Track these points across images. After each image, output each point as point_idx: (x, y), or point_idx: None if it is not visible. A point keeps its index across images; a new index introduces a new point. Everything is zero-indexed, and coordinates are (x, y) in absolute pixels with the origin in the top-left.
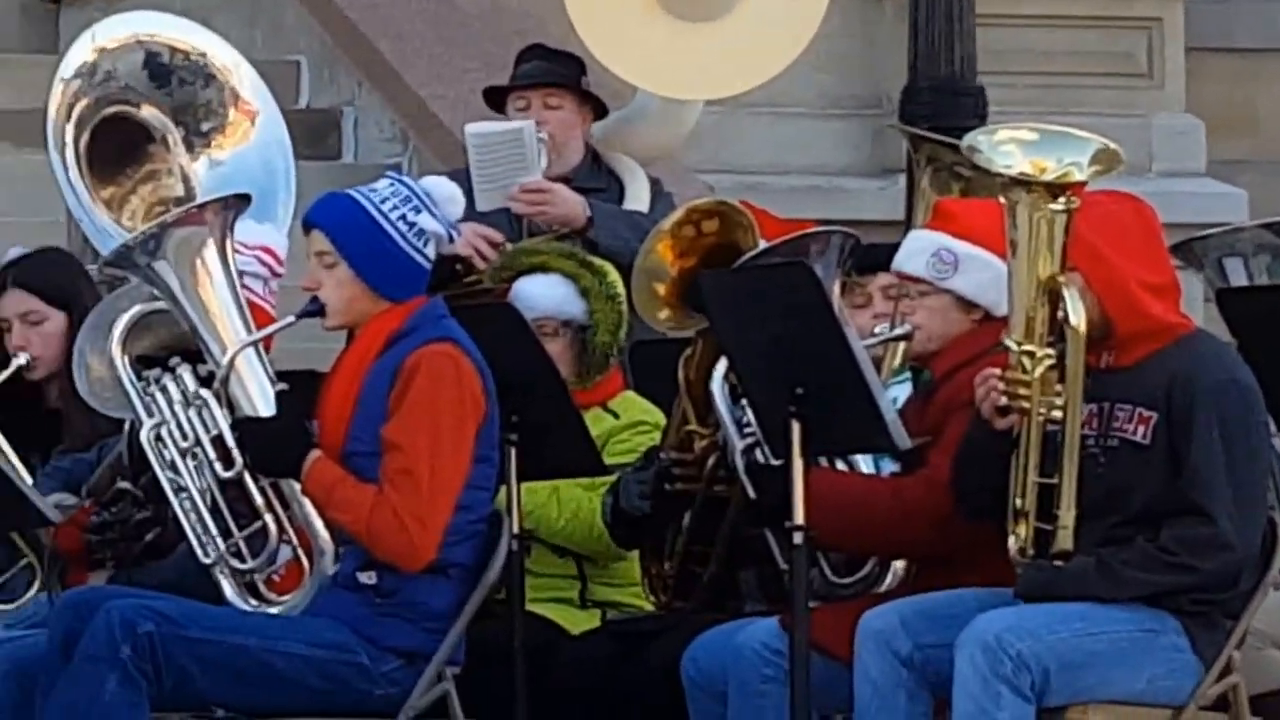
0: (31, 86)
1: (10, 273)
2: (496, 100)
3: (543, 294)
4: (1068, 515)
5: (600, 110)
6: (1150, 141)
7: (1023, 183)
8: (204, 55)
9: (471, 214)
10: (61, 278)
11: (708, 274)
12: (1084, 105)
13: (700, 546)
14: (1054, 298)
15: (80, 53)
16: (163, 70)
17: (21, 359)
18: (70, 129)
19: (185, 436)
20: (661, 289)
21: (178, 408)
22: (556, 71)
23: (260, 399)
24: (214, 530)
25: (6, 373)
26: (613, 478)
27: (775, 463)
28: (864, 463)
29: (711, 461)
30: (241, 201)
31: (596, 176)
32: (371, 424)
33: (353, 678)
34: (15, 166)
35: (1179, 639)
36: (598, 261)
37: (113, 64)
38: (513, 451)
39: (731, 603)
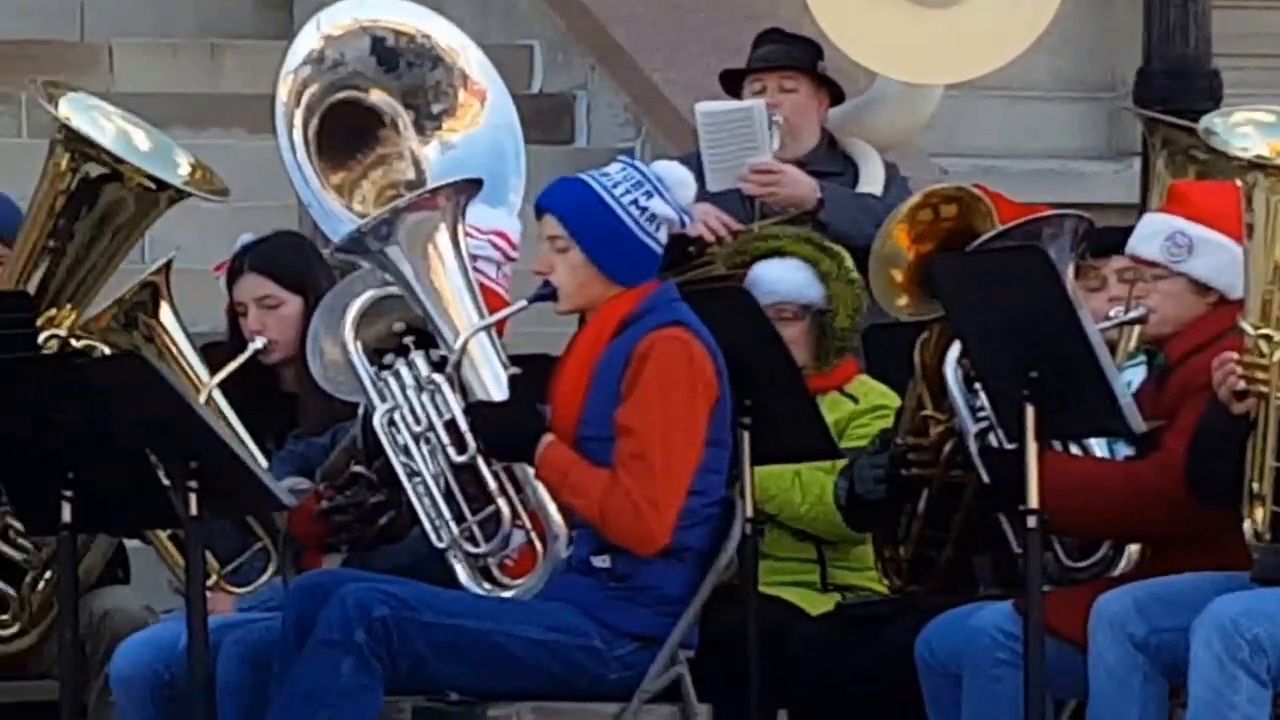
0: (265, 72)
1: (246, 257)
2: (732, 84)
3: (781, 278)
4: None
5: (837, 95)
6: None
7: (1260, 166)
8: (428, 37)
9: (702, 194)
10: (297, 262)
11: (941, 257)
12: None
13: (935, 531)
14: None
15: (307, 41)
16: (390, 54)
17: (258, 343)
18: (300, 115)
19: (418, 421)
20: (899, 275)
21: (410, 392)
22: (792, 55)
23: (493, 383)
24: (447, 515)
25: (243, 357)
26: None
27: (1009, 446)
28: (1098, 446)
29: (948, 448)
30: (473, 186)
31: (832, 160)
32: (604, 408)
33: (586, 661)
34: (249, 152)
35: None
36: (835, 246)
37: (340, 50)
38: (745, 435)
39: (966, 587)
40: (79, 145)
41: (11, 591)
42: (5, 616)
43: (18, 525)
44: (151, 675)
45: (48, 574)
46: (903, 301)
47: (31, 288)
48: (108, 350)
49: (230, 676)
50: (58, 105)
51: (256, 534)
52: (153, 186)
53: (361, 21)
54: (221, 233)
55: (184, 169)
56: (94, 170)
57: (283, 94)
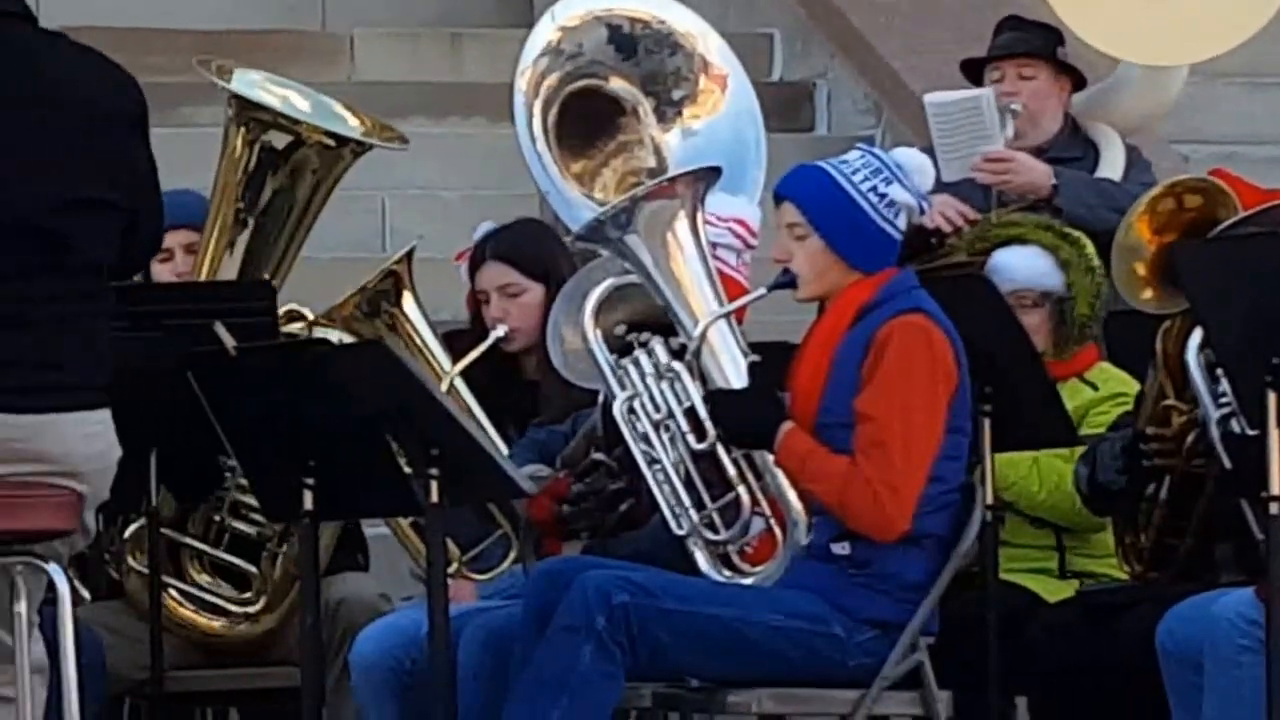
0: (506, 61)
1: (488, 245)
2: (974, 72)
3: (1022, 265)
4: None
5: (1079, 81)
6: None
7: None
8: (664, 22)
9: (938, 185)
10: (539, 250)
11: (1183, 243)
12: None
13: (1177, 520)
14: None
15: (543, 33)
16: (628, 41)
17: (500, 331)
18: (539, 104)
19: (658, 409)
20: (1141, 268)
21: (650, 380)
22: (1030, 42)
23: (732, 371)
24: (687, 502)
25: (485, 345)
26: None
27: (1251, 433)
28: None
29: (1190, 438)
30: (712, 174)
31: (1073, 146)
32: (843, 395)
33: (826, 648)
34: (489, 141)
35: None
36: (1075, 233)
37: (578, 41)
38: (986, 423)
39: (1207, 574)
40: (253, 116)
41: (252, 569)
42: (249, 594)
43: (248, 500)
44: (392, 662)
45: (283, 549)
46: (1148, 295)
47: (234, 266)
48: (350, 338)
49: (471, 663)
50: (230, 82)
51: (497, 521)
52: (332, 143)
53: (595, 11)
54: (463, 221)
55: (354, 122)
56: (274, 138)
57: (521, 84)
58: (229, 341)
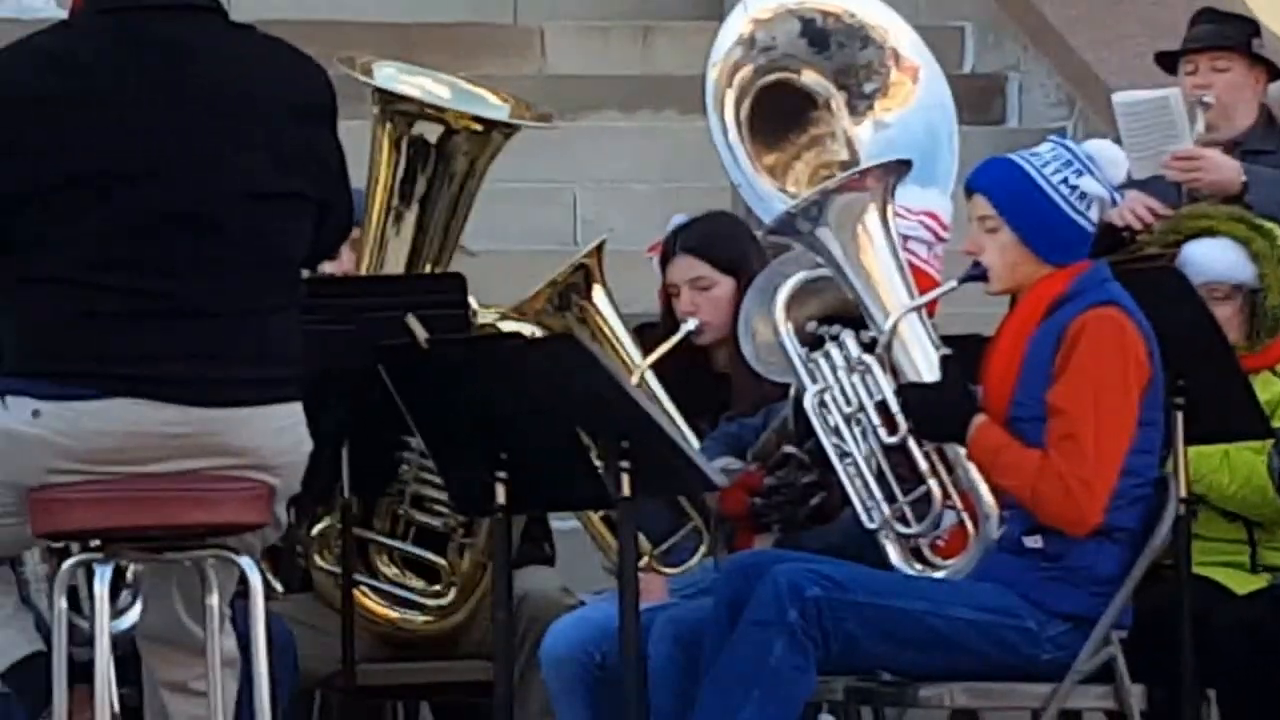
0: (697, 54)
1: (679, 239)
2: (1169, 64)
3: (1213, 258)
4: None
5: (1274, 73)
6: None
7: None
8: (855, 16)
9: (1128, 181)
10: (730, 243)
11: None
12: None
13: None
14: None
15: (736, 26)
16: (820, 35)
17: (690, 324)
18: (731, 97)
19: (849, 402)
20: None
21: (841, 373)
22: (1225, 34)
23: (924, 364)
24: (879, 495)
25: (675, 338)
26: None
27: None
28: None
29: None
30: (903, 167)
31: (1268, 139)
32: (1035, 388)
33: (1019, 642)
34: (681, 134)
35: None
36: (1267, 225)
37: (770, 34)
38: (1178, 415)
39: None
40: (398, 108)
41: (440, 561)
42: (438, 587)
43: (429, 493)
44: (583, 656)
45: (469, 540)
46: None
47: (399, 258)
48: (541, 332)
49: (661, 657)
50: (372, 76)
51: (689, 514)
52: (479, 128)
53: (788, 5)
54: (654, 214)
55: (498, 103)
56: (421, 129)
57: (714, 77)
58: (421, 334)
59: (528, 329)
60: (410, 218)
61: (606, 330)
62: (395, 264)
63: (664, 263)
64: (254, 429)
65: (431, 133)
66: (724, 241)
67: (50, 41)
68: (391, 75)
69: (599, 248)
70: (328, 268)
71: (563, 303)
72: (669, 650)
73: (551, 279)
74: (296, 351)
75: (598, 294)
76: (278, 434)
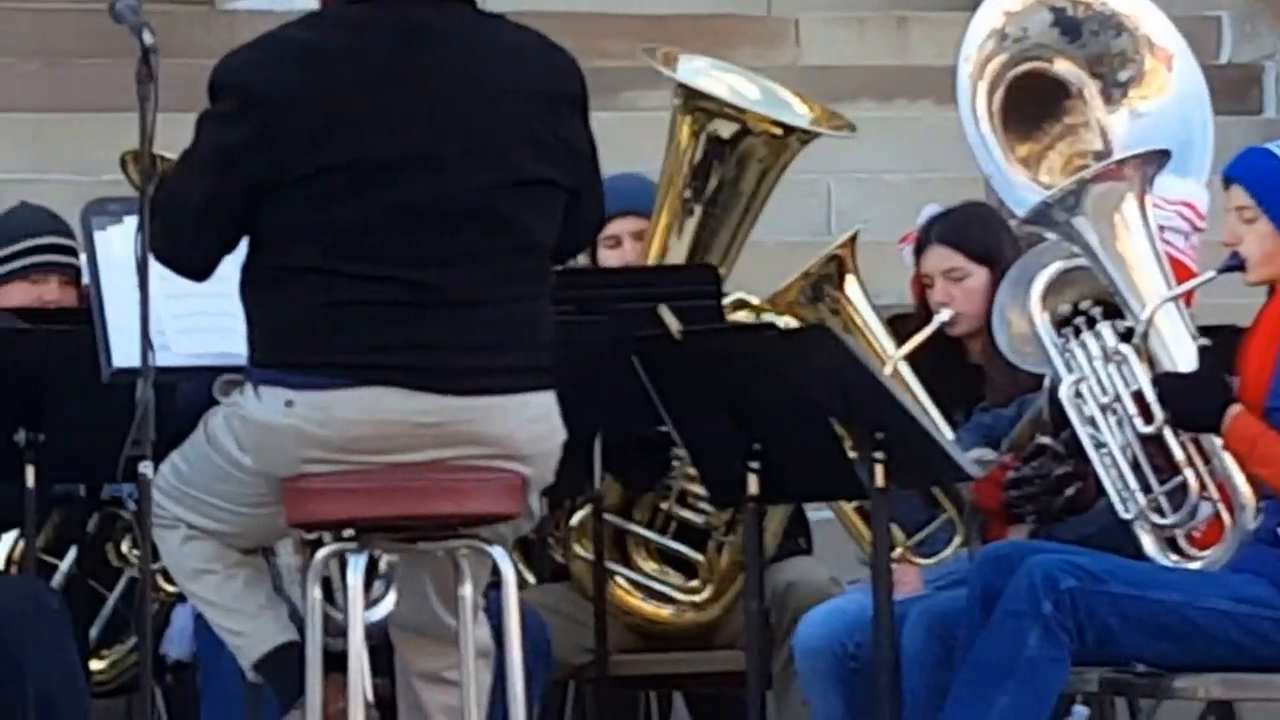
0: (952, 44)
1: (933, 229)
2: None
3: None
4: None
5: None
6: None
7: None
8: (1106, 4)
9: None
10: (984, 234)
11: None
12: None
13: None
14: None
15: (987, 18)
16: (1072, 23)
17: (944, 315)
18: (983, 87)
19: (1105, 392)
20: None
21: (1097, 364)
22: None
23: (1181, 354)
24: (1134, 485)
25: (929, 329)
26: None
27: None
28: None
29: None
30: (1161, 157)
31: None
32: None
33: (1275, 633)
34: (935, 124)
35: None
36: None
37: (1021, 24)
38: None
39: None
40: (700, 105)
41: (698, 557)
42: (695, 583)
43: (696, 490)
44: (836, 647)
45: (729, 538)
46: None
47: (681, 254)
48: (795, 323)
49: (915, 648)
50: (676, 70)
51: (942, 505)
52: (779, 132)
53: None
54: (907, 205)
55: (802, 109)
56: (720, 126)
57: (966, 68)
58: (674, 325)
59: (782, 320)
60: (697, 213)
61: (859, 321)
62: (679, 259)
63: (918, 253)
64: (507, 418)
65: (729, 131)
66: (978, 232)
67: (301, 33)
68: (698, 70)
69: (852, 239)
70: (610, 260)
71: (816, 294)
72: (923, 641)
73: (805, 270)
74: (549, 340)
75: (851, 285)
76: (531, 423)
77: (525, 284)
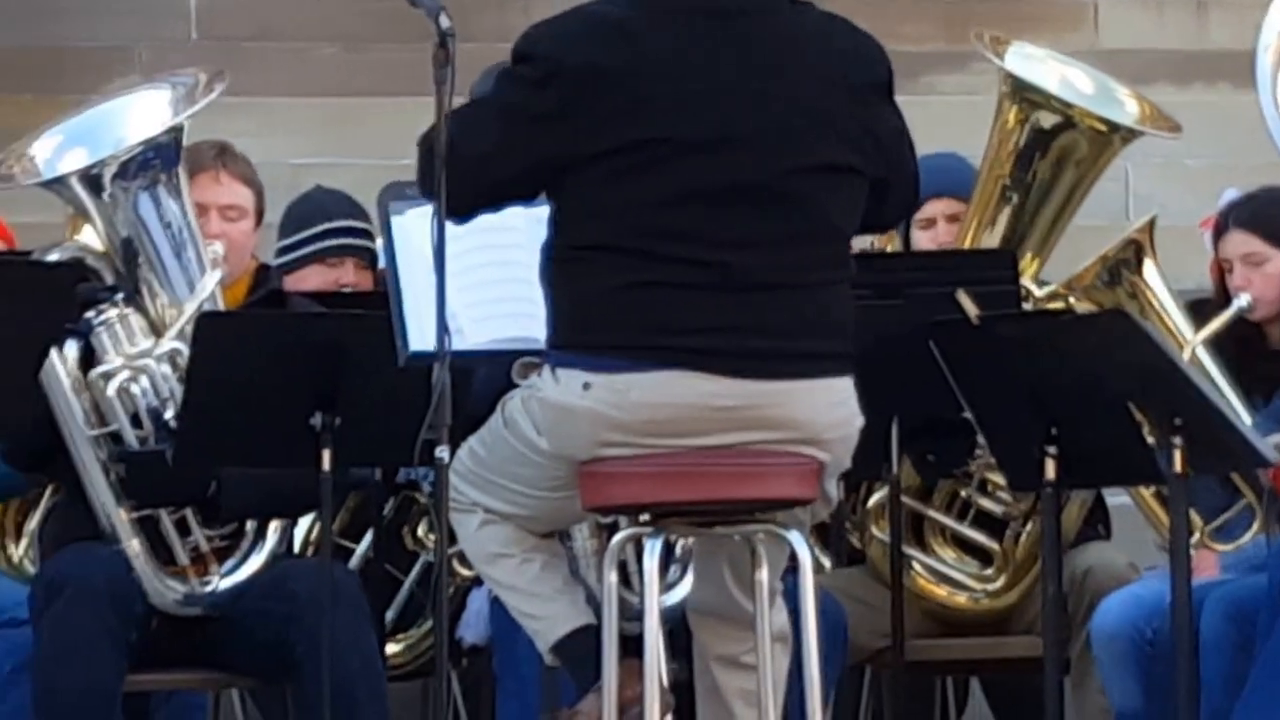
0: (1251, 28)
1: (1233, 213)
2: None
3: None
4: None
5: None
6: None
7: None
8: None
9: None
10: None
11: None
12: None
13: None
14: None
15: None
16: None
17: (1242, 300)
18: None
19: None
20: None
21: None
22: None
23: None
24: None
25: (1227, 314)
26: None
27: None
28: None
29: None
30: None
31: None
32: None
33: None
34: (1235, 108)
35: None
36: None
37: None
38: None
39: None
40: (1026, 95)
41: (994, 545)
42: (989, 571)
43: (995, 478)
44: (1133, 632)
45: (1027, 527)
46: None
47: (994, 242)
48: (1091, 307)
49: (1213, 633)
50: (1004, 59)
51: (1241, 491)
52: (1104, 129)
53: None
54: (1207, 189)
55: (1131, 108)
56: (1044, 119)
57: (1264, 58)
58: (972, 311)
59: (1081, 305)
60: (1013, 201)
61: (1157, 305)
62: (991, 246)
63: (1216, 238)
64: (805, 403)
65: (1052, 123)
66: (1276, 215)
67: (609, 9)
68: (1029, 57)
69: (1150, 223)
70: (923, 241)
71: (1113, 278)
72: (1220, 627)
73: (1102, 254)
74: (848, 326)
75: (1149, 269)
76: (829, 408)
77: (824, 269)
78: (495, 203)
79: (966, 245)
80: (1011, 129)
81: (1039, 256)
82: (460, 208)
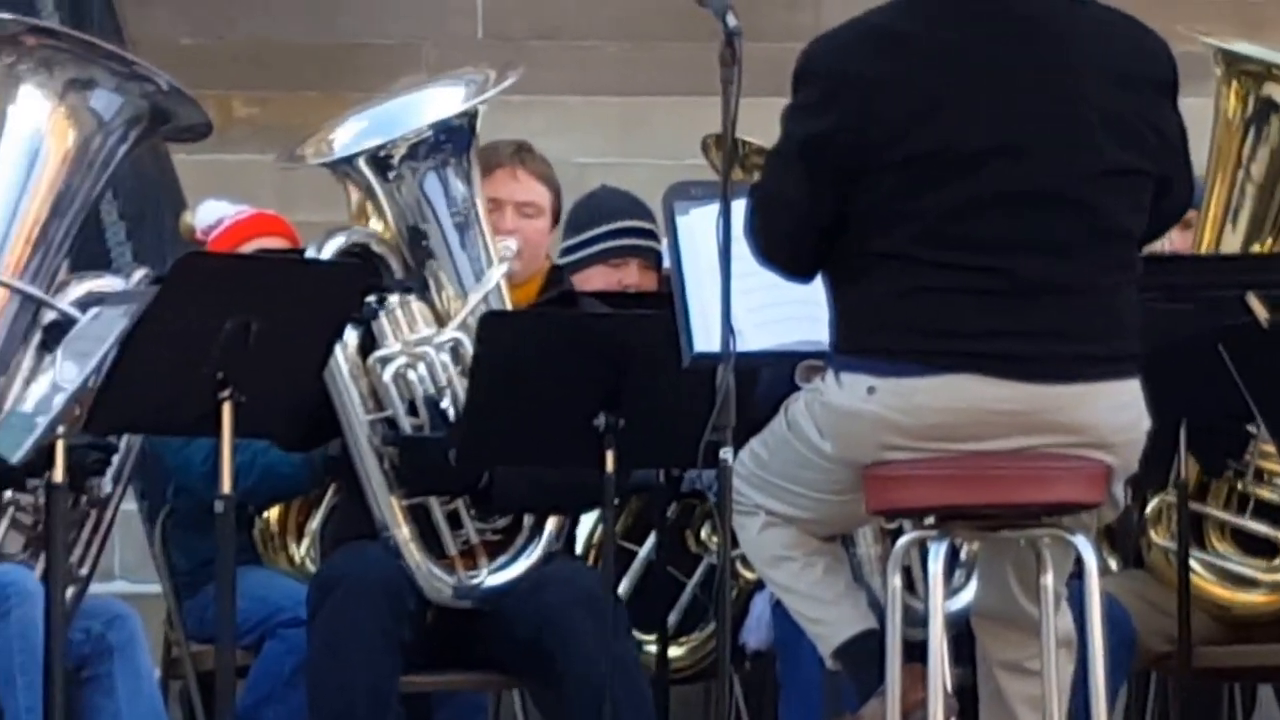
0: None
1: None
2: None
3: None
4: None
5: None
6: None
7: None
8: None
9: None
10: None
11: None
12: None
13: None
14: None
15: None
16: None
17: None
18: None
19: None
20: None
21: None
22: None
23: None
24: None
25: None
26: None
27: None
28: None
29: None
30: None
31: None
32: None
33: None
34: None
35: None
36: None
37: None
38: None
39: None
40: (1243, 69)
41: (1278, 535)
42: (1278, 561)
43: (1273, 467)
44: None
45: None
46: None
47: (1237, 237)
48: None
49: None
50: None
51: None
52: None
53: None
54: None
55: None
56: (1271, 90)
57: None
58: (1262, 314)
59: None
60: (1252, 187)
61: None
62: (1234, 242)
63: None
64: (1093, 406)
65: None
66: None
67: (887, 19)
68: (1239, 45)
69: None
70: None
71: None
72: None
73: None
74: (1135, 328)
75: None
76: (1116, 411)
77: (1112, 272)
78: (832, 241)
79: (1207, 244)
80: (1234, 113)
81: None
82: (796, 264)
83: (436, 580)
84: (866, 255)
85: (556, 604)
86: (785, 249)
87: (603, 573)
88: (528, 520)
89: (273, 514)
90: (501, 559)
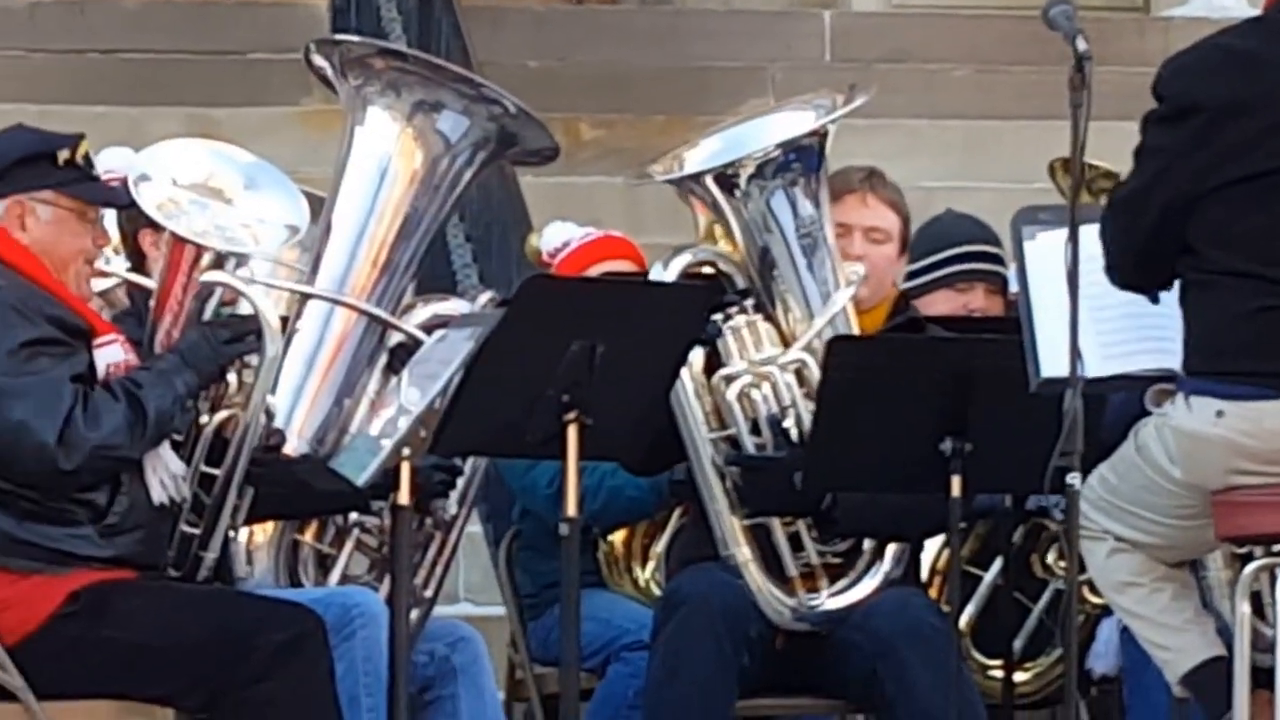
0: None
1: None
2: None
3: None
4: None
5: None
6: None
7: None
8: None
9: None
10: None
11: None
12: None
13: None
14: None
15: None
16: None
17: None
18: None
19: None
20: None
21: None
22: None
23: None
24: None
25: None
26: None
27: None
28: None
29: None
30: None
31: None
32: None
33: None
34: None
35: None
36: None
37: None
38: None
39: None
40: None
41: None
42: None
43: None
44: None
45: None
46: None
47: None
48: None
49: None
50: None
51: None
52: None
53: None
54: None
55: None
56: None
57: None
58: None
59: None
60: None
61: None
62: None
63: None
64: None
65: None
66: None
67: (1233, 41)
68: None
69: None
70: None
71: None
72: None
73: None
74: None
75: None
76: None
77: None
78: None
79: None
80: None
81: None
82: (1143, 276)
83: (776, 601)
84: (1213, 273)
85: (886, 633)
86: (1130, 255)
87: (948, 597)
88: (868, 544)
89: (618, 537)
90: (841, 582)
